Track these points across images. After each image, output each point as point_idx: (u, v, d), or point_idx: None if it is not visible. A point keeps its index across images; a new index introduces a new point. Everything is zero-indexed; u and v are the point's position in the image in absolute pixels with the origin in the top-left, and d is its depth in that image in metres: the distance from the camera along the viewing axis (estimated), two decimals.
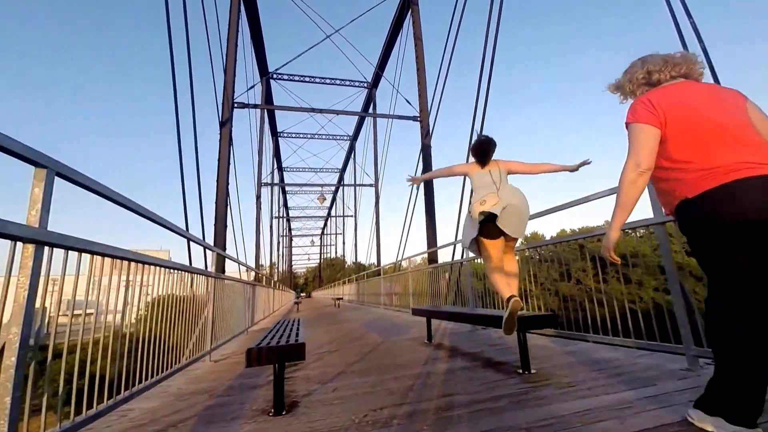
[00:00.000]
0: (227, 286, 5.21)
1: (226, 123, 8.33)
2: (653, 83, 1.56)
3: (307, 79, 15.42)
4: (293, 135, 23.78)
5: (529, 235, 27.87)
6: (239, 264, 6.90)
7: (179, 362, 2.96)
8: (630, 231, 2.99)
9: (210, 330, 3.88)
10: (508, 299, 2.45)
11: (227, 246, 8.31)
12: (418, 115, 10.70)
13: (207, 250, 4.17)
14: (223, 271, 7.22)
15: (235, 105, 9.07)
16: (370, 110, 19.42)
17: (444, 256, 9.06)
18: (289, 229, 49.62)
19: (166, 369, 2.71)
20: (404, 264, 11.24)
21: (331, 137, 24.58)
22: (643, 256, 5.03)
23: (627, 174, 1.43)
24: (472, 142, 3.13)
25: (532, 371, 2.44)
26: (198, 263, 7.58)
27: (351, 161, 25.67)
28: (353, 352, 3.83)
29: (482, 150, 2.95)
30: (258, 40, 13.08)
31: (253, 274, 12.00)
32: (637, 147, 1.41)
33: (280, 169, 28.87)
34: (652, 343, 2.66)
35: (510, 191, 2.74)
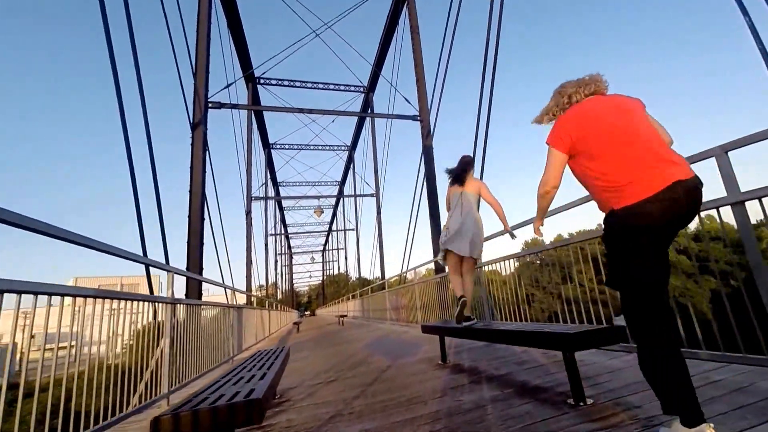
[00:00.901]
0: (202, 312, 4.65)
1: (198, 125, 7.70)
2: (573, 103, 1.75)
3: (297, 84, 14.98)
4: (287, 146, 23.27)
5: (529, 240, 27.55)
6: (225, 287, 6.30)
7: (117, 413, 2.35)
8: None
9: (167, 368, 3.27)
10: (460, 297, 3.50)
11: (208, 267, 7.69)
12: (418, 114, 10.24)
13: (169, 273, 3.55)
14: (200, 296, 6.63)
15: (210, 105, 8.46)
16: (367, 120, 19.06)
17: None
18: (289, 247, 49.05)
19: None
20: (410, 276, 10.64)
21: (327, 147, 24.11)
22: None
23: (540, 189, 1.78)
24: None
25: (588, 401, 1.86)
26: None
27: (350, 171, 25.20)
28: (355, 382, 3.23)
29: (454, 174, 3.67)
30: (239, 38, 12.51)
31: (243, 296, 11.41)
32: (548, 168, 1.70)
33: (275, 183, 28.30)
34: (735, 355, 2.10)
35: (465, 215, 3.44)
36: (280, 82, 15.56)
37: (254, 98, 17.86)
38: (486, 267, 5.02)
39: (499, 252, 7.05)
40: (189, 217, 7.34)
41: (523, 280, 4.45)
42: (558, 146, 1.66)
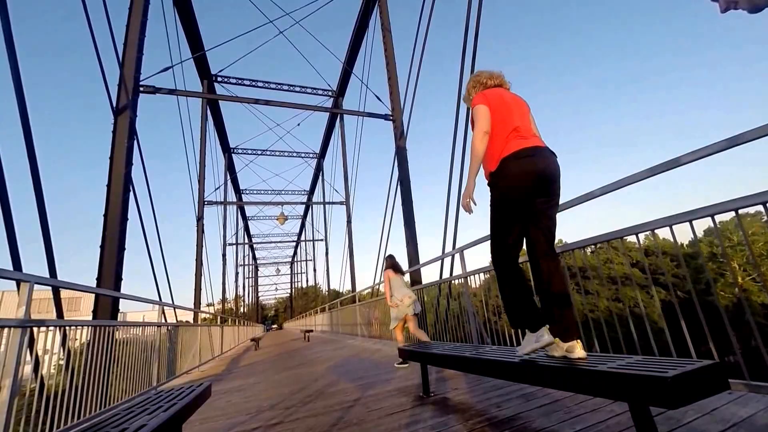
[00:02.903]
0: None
1: (124, 110, 6.46)
2: (485, 87, 2.31)
3: (260, 83, 13.98)
4: (249, 151, 22.04)
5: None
6: (140, 300, 5.07)
7: None
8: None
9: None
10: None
11: (144, 281, 6.63)
12: (390, 113, 9.63)
13: (24, 284, 2.46)
14: (114, 315, 5.52)
15: (141, 89, 7.27)
16: (337, 123, 18.36)
17: (430, 275, 7.81)
18: (254, 257, 47.12)
19: None
20: (383, 288, 9.91)
21: (295, 154, 23.15)
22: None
23: (477, 135, 2.01)
24: (386, 259, 5.30)
25: None
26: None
27: (320, 180, 24.25)
28: (305, 427, 2.41)
29: (399, 267, 5.12)
30: (188, 17, 11.19)
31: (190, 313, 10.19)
32: (481, 119, 2.02)
33: (237, 190, 26.87)
34: None
35: (410, 290, 4.91)
36: (240, 81, 14.43)
37: (213, 105, 16.73)
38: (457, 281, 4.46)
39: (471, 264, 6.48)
40: (105, 216, 6.09)
41: (493, 292, 4.09)
42: (482, 102, 2.07)
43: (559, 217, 2.05)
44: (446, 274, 6.00)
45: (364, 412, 2.57)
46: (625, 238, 2.45)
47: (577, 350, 1.65)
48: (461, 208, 2.61)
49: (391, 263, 5.10)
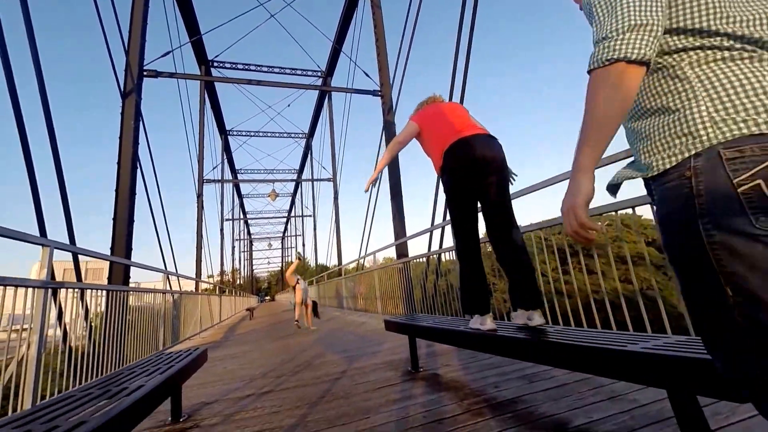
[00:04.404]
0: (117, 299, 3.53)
1: (130, 94, 6.33)
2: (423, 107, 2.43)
3: (252, 67, 13.35)
4: (243, 133, 21.40)
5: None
6: (146, 268, 5.06)
7: None
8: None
9: (33, 375, 2.18)
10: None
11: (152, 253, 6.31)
12: (379, 89, 9.14)
13: (44, 248, 2.41)
14: (126, 281, 5.41)
15: (145, 73, 7.05)
16: (325, 103, 17.74)
17: (417, 248, 7.58)
18: (248, 233, 46.51)
19: None
20: (369, 261, 9.68)
21: (285, 135, 22.48)
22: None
23: (393, 140, 2.32)
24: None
25: None
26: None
27: (308, 159, 23.70)
28: (295, 396, 2.22)
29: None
30: (186, 4, 10.81)
31: (192, 282, 9.98)
32: (403, 131, 2.29)
33: (233, 170, 26.26)
34: None
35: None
36: (234, 65, 13.91)
37: (208, 82, 16.07)
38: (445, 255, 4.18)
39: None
40: (116, 191, 5.95)
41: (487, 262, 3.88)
42: (411, 119, 2.30)
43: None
44: (435, 249, 5.73)
45: (351, 384, 2.35)
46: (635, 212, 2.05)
47: (536, 318, 1.70)
48: None
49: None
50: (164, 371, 1.62)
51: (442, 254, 4.90)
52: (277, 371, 3.09)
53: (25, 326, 2.28)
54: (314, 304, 6.86)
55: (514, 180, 2.24)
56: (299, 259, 9.62)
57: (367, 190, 2.33)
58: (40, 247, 2.49)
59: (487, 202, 1.97)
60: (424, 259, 5.28)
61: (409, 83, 8.40)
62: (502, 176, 1.96)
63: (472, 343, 1.84)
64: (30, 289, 2.30)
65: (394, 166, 8.01)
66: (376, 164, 2.25)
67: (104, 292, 3.45)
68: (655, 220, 0.83)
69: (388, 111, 8.63)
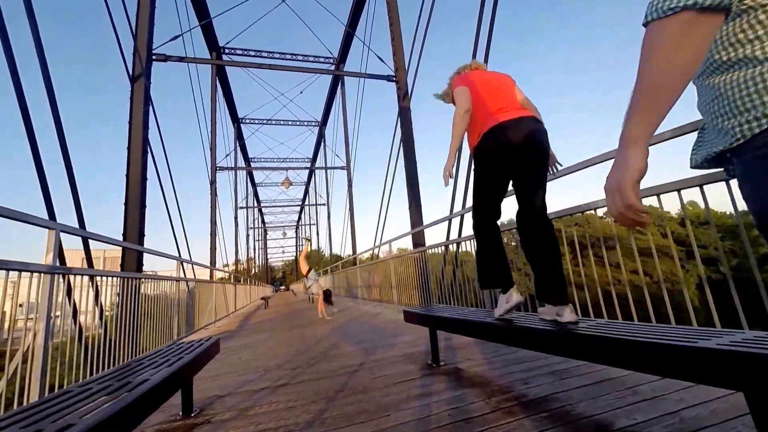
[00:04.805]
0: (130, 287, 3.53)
1: (139, 78, 6.32)
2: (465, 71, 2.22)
3: (264, 54, 13.23)
4: (256, 121, 21.43)
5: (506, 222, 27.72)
6: (161, 255, 5.08)
7: None
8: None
9: (39, 367, 2.15)
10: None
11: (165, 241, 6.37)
12: (394, 74, 8.93)
13: (50, 231, 2.37)
14: (139, 268, 5.45)
15: (154, 57, 7.02)
16: (338, 90, 17.56)
17: (435, 237, 7.43)
18: (263, 221, 47.03)
19: None
20: (384, 250, 9.61)
21: (298, 123, 22.44)
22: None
23: (457, 113, 1.96)
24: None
25: None
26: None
27: (322, 147, 23.66)
28: (311, 390, 2.16)
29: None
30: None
31: (206, 270, 10.09)
32: (460, 99, 1.98)
33: (246, 158, 26.42)
34: None
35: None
36: (246, 52, 13.82)
37: (219, 69, 16.10)
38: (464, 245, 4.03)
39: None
40: (127, 176, 5.99)
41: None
42: (462, 84, 2.05)
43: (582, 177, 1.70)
44: (453, 238, 5.58)
45: (369, 378, 2.27)
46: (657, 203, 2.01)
47: (566, 314, 1.59)
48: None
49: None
50: (173, 363, 1.56)
51: (461, 243, 4.77)
52: (292, 362, 3.05)
53: (31, 316, 2.27)
54: (327, 292, 6.84)
55: (557, 170, 2.13)
56: (308, 240, 9.75)
57: (447, 184, 2.06)
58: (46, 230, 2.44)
59: (522, 191, 1.86)
60: (442, 248, 5.15)
61: (425, 68, 8.15)
62: (543, 168, 1.84)
63: (499, 335, 1.72)
64: (36, 275, 2.25)
65: (410, 152, 7.84)
66: (450, 148, 1.99)
67: (118, 280, 3.43)
68: (747, 203, 0.67)
69: (404, 97, 8.42)
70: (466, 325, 1.96)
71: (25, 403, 2.12)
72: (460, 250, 4.93)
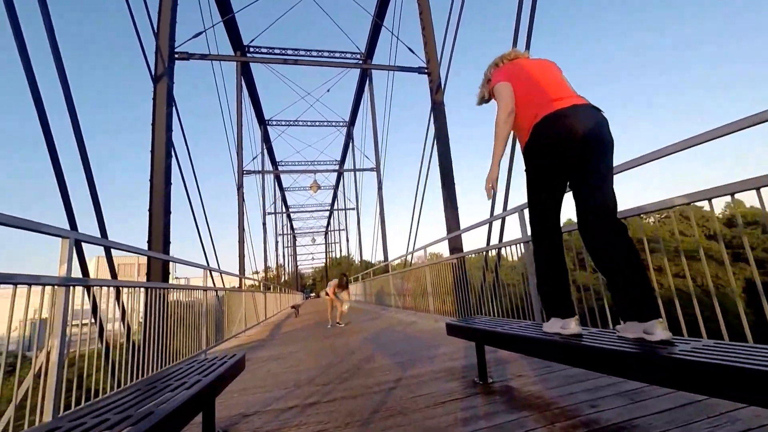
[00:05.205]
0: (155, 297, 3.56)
1: (161, 78, 6.50)
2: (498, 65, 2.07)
3: (289, 51, 13.48)
4: (283, 122, 21.88)
5: None
6: (185, 264, 5.13)
7: None
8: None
9: (53, 386, 2.12)
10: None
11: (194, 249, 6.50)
12: (425, 65, 8.80)
13: (65, 239, 2.34)
14: (166, 278, 5.55)
15: (176, 56, 7.21)
16: (366, 88, 17.63)
17: (472, 242, 7.22)
18: (291, 227, 47.97)
19: None
20: (417, 256, 9.45)
21: (326, 123, 22.73)
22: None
23: (500, 116, 1.81)
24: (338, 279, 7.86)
25: None
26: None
27: (350, 148, 23.82)
28: (345, 409, 2.06)
29: (345, 283, 7.84)
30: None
31: (235, 279, 10.30)
32: (504, 98, 1.83)
33: (273, 162, 27.01)
34: None
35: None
36: (270, 51, 14.14)
37: (244, 70, 16.52)
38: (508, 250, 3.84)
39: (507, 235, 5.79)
40: (150, 181, 6.14)
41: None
42: (502, 79, 1.88)
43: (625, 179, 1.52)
44: (494, 241, 5.37)
45: (408, 397, 2.15)
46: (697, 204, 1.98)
47: (658, 331, 1.30)
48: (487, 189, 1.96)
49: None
50: (192, 385, 1.47)
51: (503, 249, 4.56)
52: (323, 377, 2.97)
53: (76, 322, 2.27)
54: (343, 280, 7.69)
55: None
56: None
57: (490, 197, 1.89)
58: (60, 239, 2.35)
59: (585, 190, 1.63)
60: (481, 253, 4.95)
61: (459, 58, 7.90)
62: (607, 160, 1.62)
63: (571, 357, 1.47)
64: (48, 288, 2.18)
65: (444, 149, 7.66)
66: (493, 155, 1.84)
67: (142, 290, 3.44)
68: None
69: (437, 90, 8.25)
70: (523, 342, 1.76)
71: (37, 423, 2.09)
72: (502, 255, 4.72)
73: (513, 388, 2.04)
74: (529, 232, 3.45)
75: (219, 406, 2.38)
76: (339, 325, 7.03)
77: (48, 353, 2.24)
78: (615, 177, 1.69)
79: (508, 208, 5.24)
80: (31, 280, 2.04)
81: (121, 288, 3.21)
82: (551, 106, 1.66)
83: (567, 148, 1.62)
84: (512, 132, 1.89)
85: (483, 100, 2.16)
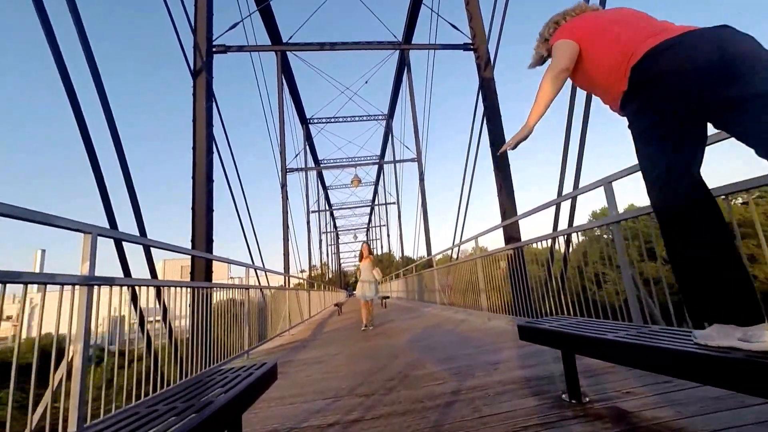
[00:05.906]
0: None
1: (200, 72, 6.37)
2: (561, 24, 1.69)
3: (327, 46, 13.33)
4: (324, 120, 21.93)
5: (598, 211, 24.96)
6: (230, 262, 4.93)
7: None
8: None
9: (77, 396, 1.91)
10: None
11: (218, 244, 6.34)
12: (471, 41, 8.14)
13: (86, 235, 2.12)
14: (209, 276, 5.40)
15: (215, 49, 7.09)
16: (404, 77, 17.15)
17: (531, 230, 6.50)
18: (334, 226, 48.46)
19: None
20: (463, 250, 8.84)
21: (366, 118, 22.54)
22: None
23: (548, 72, 1.52)
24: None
25: None
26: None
27: (390, 141, 23.51)
28: (393, 430, 1.62)
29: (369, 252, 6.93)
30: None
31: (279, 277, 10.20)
32: (558, 55, 1.52)
33: (316, 160, 27.22)
34: None
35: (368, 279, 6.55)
36: (309, 45, 14.14)
37: (284, 68, 16.59)
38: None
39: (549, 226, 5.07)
40: (193, 178, 6.06)
41: (590, 257, 3.58)
42: (564, 37, 1.55)
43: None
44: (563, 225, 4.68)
45: (473, 417, 1.67)
46: None
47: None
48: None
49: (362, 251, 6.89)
50: (199, 410, 1.14)
51: (572, 236, 3.90)
52: (366, 386, 2.55)
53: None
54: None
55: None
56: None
57: (498, 153, 1.51)
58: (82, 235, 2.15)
59: (749, 130, 1.09)
60: (547, 242, 4.29)
61: (510, 30, 7.08)
62: (759, 88, 1.04)
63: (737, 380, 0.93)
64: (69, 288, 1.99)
65: (496, 129, 6.95)
66: (529, 115, 1.58)
67: (188, 290, 3.30)
68: None
69: (485, 66, 7.56)
70: (666, 358, 1.13)
71: None
72: (571, 244, 4.06)
73: (627, 413, 1.48)
74: (619, 211, 2.83)
75: (252, 417, 2.13)
76: (369, 329, 6.14)
77: (70, 360, 2.05)
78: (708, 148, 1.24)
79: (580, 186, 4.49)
80: (47, 280, 1.82)
81: (162, 288, 3.07)
82: (655, 40, 1.22)
83: (697, 78, 1.12)
84: (590, 94, 1.58)
85: (538, 62, 1.83)
